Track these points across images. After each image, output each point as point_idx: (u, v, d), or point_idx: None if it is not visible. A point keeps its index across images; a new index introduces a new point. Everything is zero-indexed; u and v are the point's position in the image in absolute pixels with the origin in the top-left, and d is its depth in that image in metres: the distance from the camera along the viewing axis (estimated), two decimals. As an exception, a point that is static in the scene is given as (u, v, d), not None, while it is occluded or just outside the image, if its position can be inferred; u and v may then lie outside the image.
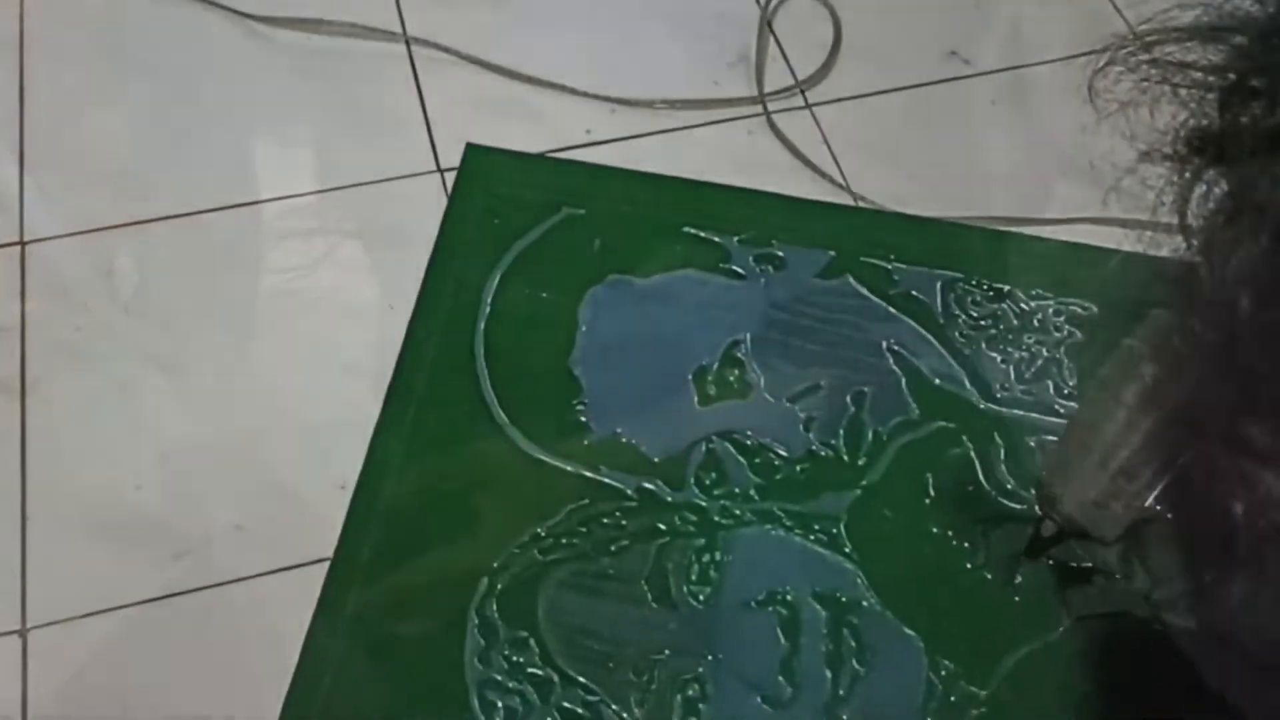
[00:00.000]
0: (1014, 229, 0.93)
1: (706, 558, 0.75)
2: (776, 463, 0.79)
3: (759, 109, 1.01)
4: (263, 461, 0.81)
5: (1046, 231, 0.93)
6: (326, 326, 0.87)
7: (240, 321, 0.87)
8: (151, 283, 0.88)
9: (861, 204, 0.94)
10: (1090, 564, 0.76)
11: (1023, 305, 0.87)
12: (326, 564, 0.76)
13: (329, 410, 0.83)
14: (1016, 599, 0.75)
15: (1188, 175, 0.33)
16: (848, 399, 0.82)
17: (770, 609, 0.74)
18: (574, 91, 1.01)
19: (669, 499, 0.77)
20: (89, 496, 0.79)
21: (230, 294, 0.88)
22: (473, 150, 0.94)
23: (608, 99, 1.00)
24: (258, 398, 0.84)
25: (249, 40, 1.03)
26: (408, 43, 1.03)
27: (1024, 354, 0.84)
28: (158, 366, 0.85)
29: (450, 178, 0.94)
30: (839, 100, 1.02)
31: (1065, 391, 0.83)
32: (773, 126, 0.99)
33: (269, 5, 1.04)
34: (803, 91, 1.02)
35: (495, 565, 0.75)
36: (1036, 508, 0.73)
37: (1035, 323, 0.86)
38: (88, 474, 0.80)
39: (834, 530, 0.77)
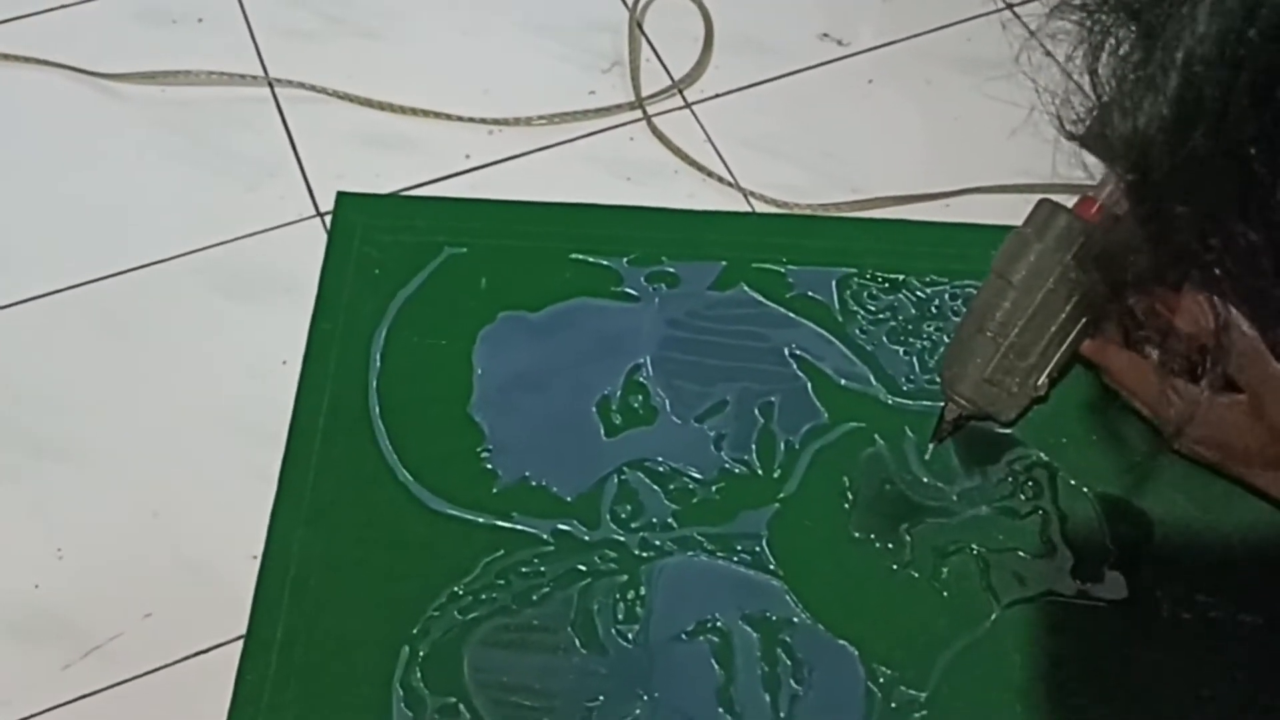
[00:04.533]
0: (907, 208, 0.92)
1: (631, 594, 0.74)
2: (691, 486, 0.78)
3: (638, 114, 0.99)
4: (167, 541, 0.78)
5: (939, 205, 0.93)
6: (220, 389, 0.84)
7: (129, 395, 0.84)
8: (27, 367, 0.85)
9: (753, 199, 0.93)
10: (1012, 547, 0.76)
11: (919, 293, 0.86)
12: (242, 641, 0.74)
13: (233, 477, 0.80)
14: (945, 594, 0.74)
15: (1097, 29, 0.34)
16: (755, 411, 0.81)
17: (701, 638, 0.73)
18: (449, 117, 0.98)
19: (586, 538, 0.76)
20: (-15, 602, 0.76)
21: (115, 367, 0.85)
22: (344, 199, 0.91)
23: (485, 121, 0.98)
24: (156, 473, 0.80)
25: (100, 100, 0.99)
26: (271, 85, 1.00)
27: (925, 343, 0.83)
28: (45, 454, 0.81)
29: (330, 221, 0.92)
30: (718, 96, 1.01)
31: (971, 376, 0.82)
32: (654, 130, 0.98)
33: (117, 61, 1.00)
34: (680, 91, 1.01)
35: (414, 631, 0.72)
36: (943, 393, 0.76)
37: (933, 309, 0.85)
38: (-19, 578, 0.77)
39: (756, 549, 0.75)
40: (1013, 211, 0.90)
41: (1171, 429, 0.73)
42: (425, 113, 0.98)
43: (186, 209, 0.93)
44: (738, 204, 0.93)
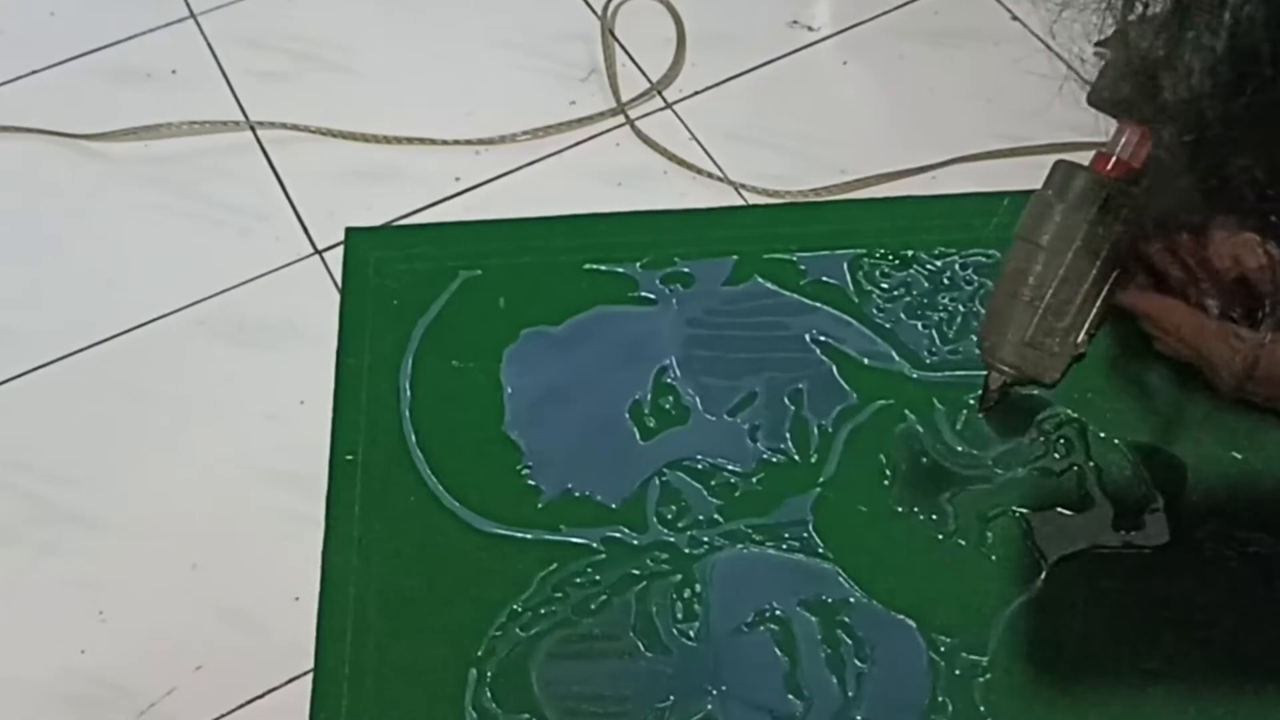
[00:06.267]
0: (896, 183, 0.93)
1: (687, 592, 0.74)
2: (732, 480, 0.78)
3: (621, 119, 1.00)
4: (207, 592, 0.78)
5: (926, 178, 0.94)
6: (241, 435, 0.84)
7: (150, 452, 0.83)
8: (43, 439, 0.84)
9: (744, 191, 0.94)
10: (1052, 505, 0.77)
11: (929, 266, 0.87)
12: (297, 683, 0.74)
13: (263, 522, 0.80)
14: (993, 558, 0.75)
15: None
16: (785, 399, 0.82)
17: (762, 628, 0.73)
18: (434, 141, 0.98)
19: (636, 542, 0.76)
20: (35, 673, 0.75)
21: (132, 427, 0.84)
22: (353, 234, 0.91)
23: (470, 142, 0.98)
24: (186, 527, 0.80)
25: (83, 161, 0.98)
26: (253, 128, 0.99)
27: (942, 314, 0.85)
28: (74, 522, 0.81)
29: (329, 257, 0.91)
30: (696, 93, 1.02)
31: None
32: (639, 133, 0.98)
33: (95, 121, 0.99)
34: (659, 92, 1.02)
35: (479, 653, 0.73)
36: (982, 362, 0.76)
37: (945, 280, 0.86)
38: (28, 650, 0.76)
39: (804, 534, 0.76)
40: (997, 177, 0.92)
41: (1239, 372, 0.73)
42: (409, 140, 0.98)
43: (183, 261, 0.93)
44: (729, 198, 0.94)
